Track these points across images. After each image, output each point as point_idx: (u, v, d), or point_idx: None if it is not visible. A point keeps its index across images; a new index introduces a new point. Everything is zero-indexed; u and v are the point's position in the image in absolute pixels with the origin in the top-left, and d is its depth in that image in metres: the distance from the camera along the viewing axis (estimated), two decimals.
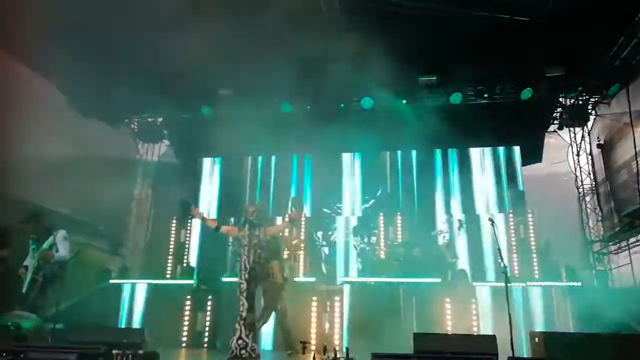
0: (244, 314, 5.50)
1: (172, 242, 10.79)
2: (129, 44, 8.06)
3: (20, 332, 5.38)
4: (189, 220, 11.13)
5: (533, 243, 9.75)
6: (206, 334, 8.54)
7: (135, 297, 9.03)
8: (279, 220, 9.81)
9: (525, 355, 6.04)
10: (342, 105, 10.52)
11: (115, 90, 9.77)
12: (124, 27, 7.71)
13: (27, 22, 7.35)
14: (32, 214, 6.48)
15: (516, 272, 9.51)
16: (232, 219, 10.94)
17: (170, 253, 10.64)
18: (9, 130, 7.89)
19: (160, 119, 12.09)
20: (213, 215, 11.81)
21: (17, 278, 6.32)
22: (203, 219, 6.15)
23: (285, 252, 9.82)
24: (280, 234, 6.56)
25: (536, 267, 9.48)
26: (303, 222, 10.27)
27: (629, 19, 8.14)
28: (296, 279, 8.85)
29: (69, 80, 9.61)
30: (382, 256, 10.28)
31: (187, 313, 8.71)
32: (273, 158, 12.37)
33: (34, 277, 6.23)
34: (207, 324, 8.60)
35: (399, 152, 11.93)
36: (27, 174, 7.71)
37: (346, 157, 12.17)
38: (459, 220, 6.22)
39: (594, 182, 11.25)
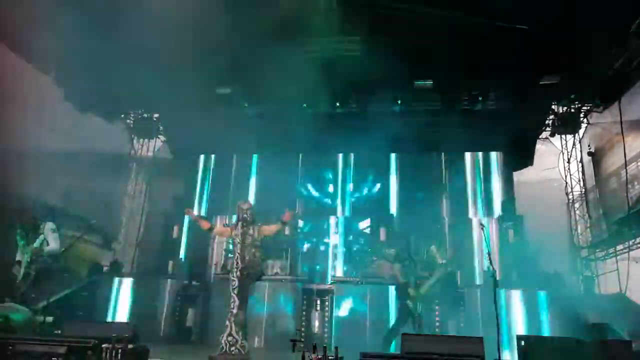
0: (234, 311, 5.53)
1: (164, 238, 10.80)
2: (127, 38, 8.06)
3: (10, 324, 5.36)
4: (182, 217, 11.15)
5: (522, 248, 9.85)
6: (196, 329, 8.58)
7: (126, 291, 9.04)
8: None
9: (511, 358, 6.12)
10: (337, 105, 10.56)
11: (112, 85, 9.75)
12: (123, 22, 7.72)
13: (25, 15, 7.33)
14: (19, 212, 6.46)
15: (505, 276, 9.60)
16: (218, 218, 11.03)
17: (163, 249, 10.65)
18: (4, 123, 7.86)
19: (156, 115, 12.08)
20: (204, 212, 11.89)
21: (7, 271, 6.32)
22: (196, 220, 6.16)
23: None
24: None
25: (525, 272, 9.58)
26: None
27: (623, 30, 8.25)
28: (285, 277, 8.92)
29: (65, 73, 9.58)
30: (374, 257, 10.34)
31: (177, 308, 8.74)
32: (266, 156, 12.39)
33: (27, 271, 6.24)
34: (197, 319, 8.64)
35: (391, 155, 12.00)
36: (22, 166, 7.69)
37: (339, 157, 12.22)
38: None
39: (583, 189, 11.37)
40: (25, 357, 4.58)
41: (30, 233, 6.39)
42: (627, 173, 9.08)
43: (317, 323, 8.22)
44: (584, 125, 11.09)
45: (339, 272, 10.65)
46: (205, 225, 6.10)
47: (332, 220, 11.52)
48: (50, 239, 6.38)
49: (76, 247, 9.01)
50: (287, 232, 9.71)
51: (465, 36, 8.18)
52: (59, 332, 5.81)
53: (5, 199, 7.40)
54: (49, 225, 6.44)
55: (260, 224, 6.00)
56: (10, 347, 4.62)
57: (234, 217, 6.23)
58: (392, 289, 8.39)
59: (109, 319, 8.62)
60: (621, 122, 9.27)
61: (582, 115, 10.92)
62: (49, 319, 6.40)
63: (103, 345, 4.73)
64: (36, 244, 6.29)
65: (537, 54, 8.62)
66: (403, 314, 7.02)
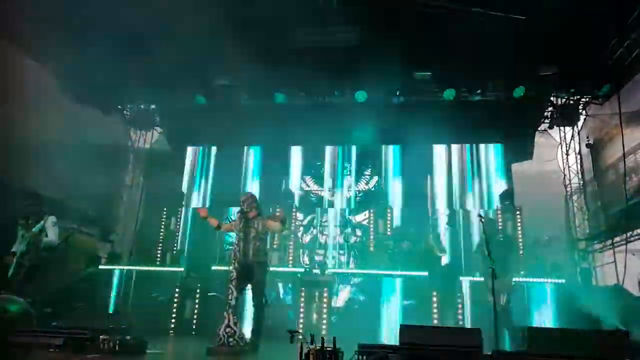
0: (232, 302, 5.54)
1: (162, 230, 10.78)
2: (123, 30, 7.98)
3: (7, 315, 5.36)
4: (179, 209, 11.16)
5: (520, 240, 9.87)
6: (194, 321, 8.59)
7: (123, 283, 9.03)
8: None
9: (509, 349, 6.14)
10: (335, 96, 10.52)
11: (108, 76, 9.68)
12: (119, 13, 7.65)
13: (21, 7, 7.26)
14: (32, 194, 6.49)
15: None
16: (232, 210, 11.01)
17: (160, 240, 10.64)
18: (0, 115, 7.81)
19: (152, 107, 12.01)
20: (205, 204, 11.90)
21: (4, 264, 6.31)
22: (206, 218, 6.13)
23: (275, 243, 9.92)
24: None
25: (522, 264, 9.59)
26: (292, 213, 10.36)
27: (622, 20, 8.19)
28: (285, 269, 8.93)
29: (62, 65, 9.50)
30: (372, 248, 10.35)
31: (175, 300, 8.74)
32: (266, 148, 12.32)
33: (19, 262, 6.24)
34: (196, 311, 8.65)
35: (390, 147, 11.97)
36: (19, 158, 7.65)
37: (338, 149, 12.18)
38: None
39: (581, 181, 11.37)
40: (22, 349, 4.57)
41: (32, 225, 6.41)
42: (625, 165, 9.07)
43: (315, 314, 8.24)
44: (582, 117, 11.06)
45: (338, 264, 10.66)
46: (214, 222, 6.14)
47: (331, 212, 11.51)
48: (50, 232, 6.40)
49: (74, 238, 8.99)
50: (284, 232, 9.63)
51: (463, 26, 8.12)
52: (57, 323, 5.81)
53: (7, 192, 7.38)
54: (51, 219, 6.49)
55: (265, 217, 6.06)
56: (8, 339, 4.62)
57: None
58: (389, 281, 8.40)
59: (107, 311, 8.61)
60: (620, 114, 9.24)
61: (580, 107, 10.89)
62: (47, 310, 6.40)
63: (101, 337, 4.74)
64: (35, 229, 6.30)
65: (535, 44, 8.57)
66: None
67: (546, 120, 11.25)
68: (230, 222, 6.20)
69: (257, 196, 6.33)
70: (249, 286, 5.97)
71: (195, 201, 12.04)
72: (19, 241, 6.38)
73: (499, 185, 11.32)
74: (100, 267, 9.39)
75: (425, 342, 4.48)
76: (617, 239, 9.89)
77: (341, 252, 10.88)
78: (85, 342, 4.75)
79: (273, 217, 6.19)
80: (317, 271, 8.69)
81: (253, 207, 6.00)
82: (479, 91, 10.03)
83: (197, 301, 8.70)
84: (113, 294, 8.96)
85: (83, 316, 6.70)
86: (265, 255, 6.08)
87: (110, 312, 8.56)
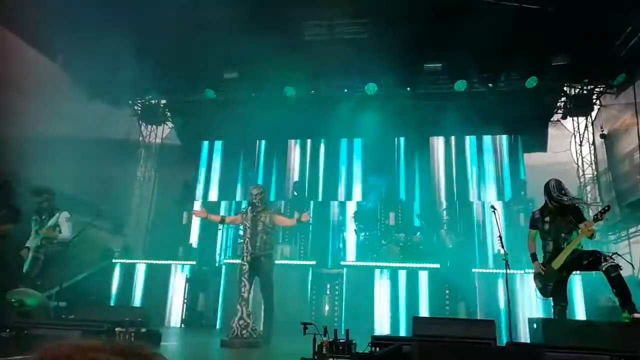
0: (245, 295, 5.57)
1: (174, 223, 10.85)
2: (133, 24, 8.00)
3: (24, 308, 5.43)
4: (191, 202, 11.21)
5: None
6: (207, 314, 8.66)
7: (137, 276, 9.12)
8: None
9: (523, 341, 6.11)
10: (345, 90, 10.47)
11: (119, 71, 9.73)
12: (129, 8, 7.66)
13: (32, 1, 7.30)
14: (45, 189, 6.55)
15: (515, 259, 9.55)
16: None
17: (173, 234, 10.71)
18: (12, 110, 7.87)
19: (163, 101, 12.07)
20: (214, 197, 11.95)
21: (19, 257, 6.39)
22: (207, 217, 6.21)
23: (286, 236, 9.94)
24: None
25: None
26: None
27: (637, 8, 8.05)
28: (298, 261, 8.94)
29: (72, 60, 9.56)
30: (383, 241, 10.31)
31: (188, 293, 8.81)
32: (275, 142, 12.32)
33: (35, 256, 6.32)
34: (208, 304, 8.71)
35: (401, 139, 11.90)
36: (32, 153, 7.71)
37: (348, 142, 12.13)
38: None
39: (595, 172, 11.24)
40: (39, 341, 4.63)
41: (45, 220, 6.48)
42: None
43: (327, 307, 8.26)
44: (596, 108, 10.92)
45: (349, 257, 10.65)
46: (216, 219, 6.26)
47: (341, 204, 11.49)
48: (64, 227, 6.46)
49: (87, 232, 9.06)
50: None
51: (475, 17, 8.03)
52: (72, 316, 5.89)
53: (21, 187, 7.45)
54: (64, 214, 6.54)
55: (273, 211, 6.13)
56: (25, 332, 4.68)
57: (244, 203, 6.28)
58: (401, 273, 8.38)
59: (121, 304, 8.70)
60: (635, 104, 9.12)
61: (594, 97, 10.74)
62: (62, 303, 6.48)
63: (116, 329, 4.78)
64: (50, 223, 6.36)
65: (548, 34, 8.45)
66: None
67: (559, 111, 11.12)
68: (235, 214, 6.26)
69: (265, 190, 6.35)
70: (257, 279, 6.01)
71: (205, 196, 12.07)
72: (33, 236, 6.46)
73: (511, 177, 11.21)
74: (114, 260, 9.49)
75: (439, 334, 4.46)
76: (632, 229, 9.79)
77: (353, 244, 10.88)
78: (101, 334, 4.80)
79: (281, 212, 6.24)
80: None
81: (262, 200, 6.03)
82: (490, 83, 9.92)
83: (209, 294, 8.76)
84: (127, 287, 9.03)
85: (98, 309, 6.78)
86: (272, 248, 6.11)
87: (125, 305, 8.65)
